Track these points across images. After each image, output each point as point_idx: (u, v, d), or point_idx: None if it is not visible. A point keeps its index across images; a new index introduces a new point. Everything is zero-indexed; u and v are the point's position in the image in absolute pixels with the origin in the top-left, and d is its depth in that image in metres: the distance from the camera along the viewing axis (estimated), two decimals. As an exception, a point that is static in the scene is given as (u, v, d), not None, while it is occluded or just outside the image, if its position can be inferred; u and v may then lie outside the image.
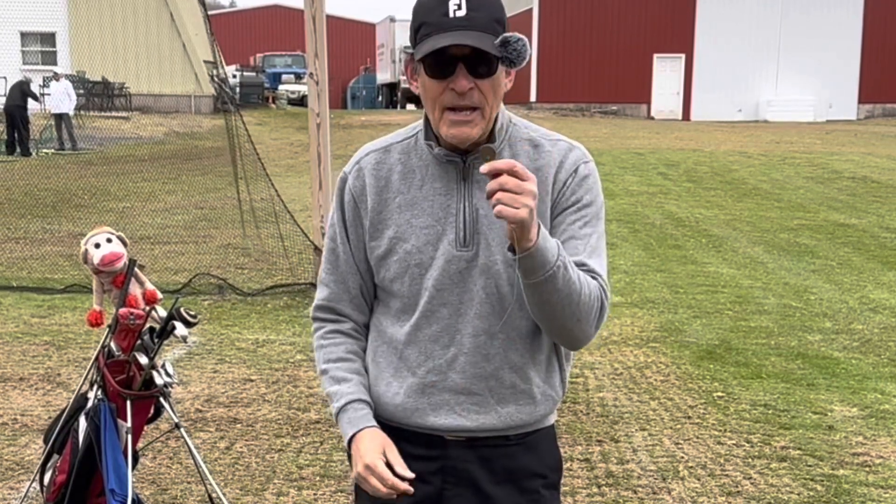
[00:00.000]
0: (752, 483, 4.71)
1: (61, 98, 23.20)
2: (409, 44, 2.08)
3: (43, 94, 26.69)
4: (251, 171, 10.68)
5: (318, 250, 8.48)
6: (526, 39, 1.97)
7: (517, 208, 1.81)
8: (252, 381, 6.30)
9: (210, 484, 4.02)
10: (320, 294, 2.26)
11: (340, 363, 2.21)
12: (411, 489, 2.02)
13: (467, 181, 2.10)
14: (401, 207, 2.12)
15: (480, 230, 2.09)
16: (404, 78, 2.27)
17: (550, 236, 1.96)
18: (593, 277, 2.05)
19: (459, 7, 1.97)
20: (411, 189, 2.12)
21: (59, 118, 23.34)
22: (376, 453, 2.04)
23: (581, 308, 1.99)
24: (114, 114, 27.90)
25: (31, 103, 22.91)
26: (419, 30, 2.02)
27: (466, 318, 2.10)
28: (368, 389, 2.18)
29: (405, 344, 2.14)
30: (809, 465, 4.93)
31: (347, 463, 2.09)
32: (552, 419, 2.24)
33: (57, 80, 23.58)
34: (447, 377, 2.12)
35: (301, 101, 35.81)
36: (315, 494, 4.54)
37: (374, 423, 2.12)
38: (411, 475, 2.02)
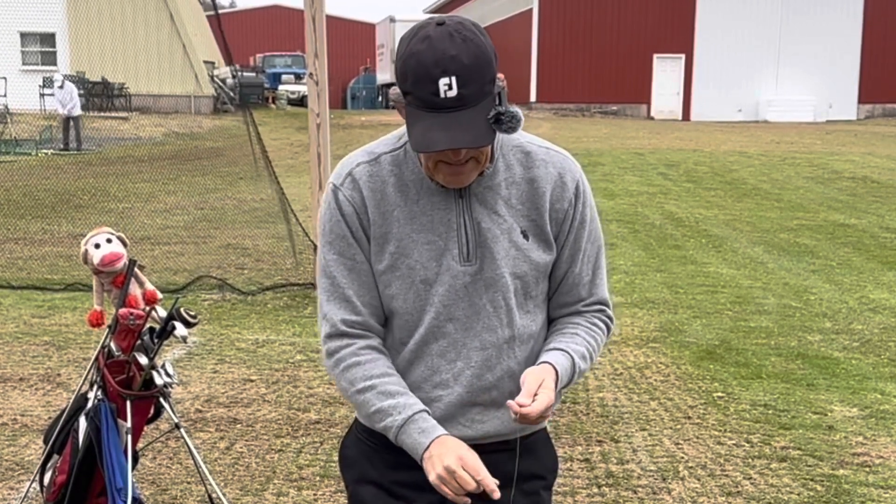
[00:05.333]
0: (752, 483, 4.71)
1: (71, 100, 23.19)
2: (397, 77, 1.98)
3: (43, 95, 26.71)
4: (261, 171, 10.68)
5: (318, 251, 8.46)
6: (518, 112, 1.94)
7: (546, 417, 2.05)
8: (252, 381, 6.30)
9: (210, 484, 4.02)
10: (343, 311, 2.11)
11: (387, 378, 2.09)
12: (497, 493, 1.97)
13: (465, 199, 2.07)
14: (400, 221, 2.07)
15: (483, 244, 2.07)
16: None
17: (560, 345, 2.14)
18: (600, 311, 2.21)
19: (450, 87, 1.87)
20: (408, 202, 2.07)
21: (69, 121, 23.32)
22: (454, 457, 1.98)
23: (594, 362, 2.23)
24: (113, 114, 27.91)
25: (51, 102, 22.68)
26: (407, 94, 1.94)
27: (473, 331, 2.09)
28: None
29: (409, 361, 2.12)
30: (809, 465, 4.93)
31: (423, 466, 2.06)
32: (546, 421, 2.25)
33: (62, 84, 23.51)
34: (452, 391, 2.11)
35: (301, 102, 35.80)
36: (315, 494, 4.54)
37: (446, 432, 2.05)
38: (495, 482, 1.98)
